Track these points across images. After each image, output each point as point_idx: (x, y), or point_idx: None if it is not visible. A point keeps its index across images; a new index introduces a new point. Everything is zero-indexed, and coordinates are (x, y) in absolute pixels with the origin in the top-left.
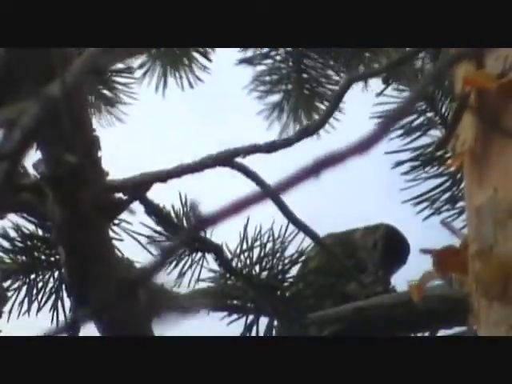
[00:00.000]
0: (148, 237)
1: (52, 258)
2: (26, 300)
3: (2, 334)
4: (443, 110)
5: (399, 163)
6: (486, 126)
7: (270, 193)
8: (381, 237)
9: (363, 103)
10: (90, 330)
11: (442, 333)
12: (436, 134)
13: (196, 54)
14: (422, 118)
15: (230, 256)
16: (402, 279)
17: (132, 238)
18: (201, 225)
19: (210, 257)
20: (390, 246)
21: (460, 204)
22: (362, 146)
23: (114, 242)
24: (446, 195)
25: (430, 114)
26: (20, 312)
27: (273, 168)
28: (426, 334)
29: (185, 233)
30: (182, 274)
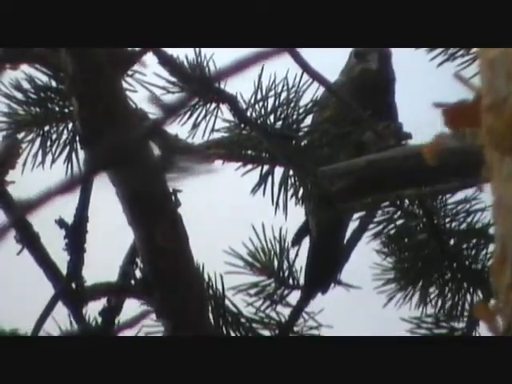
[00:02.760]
0: (162, 88)
1: (66, 110)
2: (40, 152)
3: (15, 188)
4: None
5: None
6: None
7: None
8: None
9: None
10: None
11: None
12: None
13: None
14: None
15: (244, 106)
16: (414, 133)
17: (146, 89)
18: (215, 78)
19: (224, 107)
20: None
21: (474, 50)
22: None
23: (128, 93)
24: None
25: None
26: (34, 164)
27: None
28: (439, 187)
29: (198, 83)
30: (196, 125)
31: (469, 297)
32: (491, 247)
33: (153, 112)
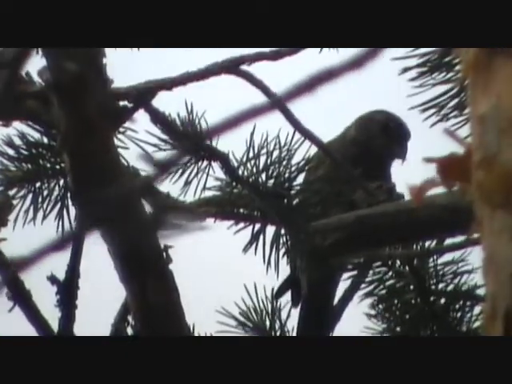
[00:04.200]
0: (153, 145)
1: (57, 166)
2: (32, 208)
3: (7, 245)
4: None
5: (406, 69)
6: None
7: (276, 102)
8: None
9: None
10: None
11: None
12: None
13: None
14: None
15: (236, 164)
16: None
17: (137, 147)
18: (207, 135)
19: (216, 165)
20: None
21: (468, 110)
22: (358, 62)
23: (119, 150)
24: (454, 101)
25: None
26: (25, 220)
27: (279, 76)
28: (431, 243)
29: (190, 141)
30: (188, 183)
31: None
32: (477, 309)
33: (144, 169)
